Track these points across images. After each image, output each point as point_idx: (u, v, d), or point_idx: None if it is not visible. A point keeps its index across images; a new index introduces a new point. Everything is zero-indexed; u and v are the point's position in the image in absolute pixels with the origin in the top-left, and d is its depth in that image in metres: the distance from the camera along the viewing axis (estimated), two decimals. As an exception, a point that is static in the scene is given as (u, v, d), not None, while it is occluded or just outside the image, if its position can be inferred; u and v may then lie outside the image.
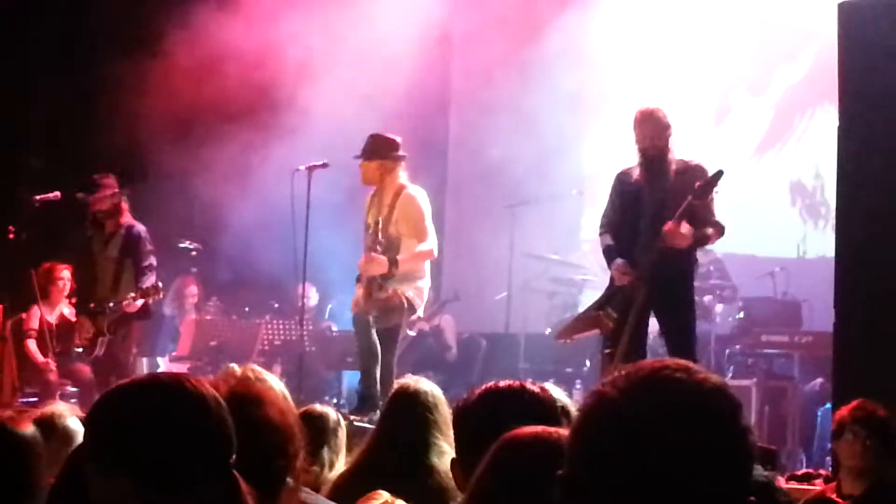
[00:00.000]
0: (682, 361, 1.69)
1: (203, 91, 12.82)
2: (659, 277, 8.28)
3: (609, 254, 8.65)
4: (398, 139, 9.34)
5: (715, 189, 8.21)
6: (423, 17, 12.91)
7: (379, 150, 9.21)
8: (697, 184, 8.10)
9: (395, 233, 9.11)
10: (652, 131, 8.43)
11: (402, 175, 9.26)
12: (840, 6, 7.97)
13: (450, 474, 3.29)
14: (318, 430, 5.05)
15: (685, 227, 8.18)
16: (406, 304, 9.12)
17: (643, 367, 1.68)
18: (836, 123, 7.65)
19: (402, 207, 9.11)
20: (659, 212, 8.29)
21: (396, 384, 5.13)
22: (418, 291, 9.23)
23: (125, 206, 10.53)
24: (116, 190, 10.53)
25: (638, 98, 13.30)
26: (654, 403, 1.64)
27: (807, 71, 12.75)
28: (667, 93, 12.87)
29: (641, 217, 8.44)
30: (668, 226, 8.13)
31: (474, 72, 14.30)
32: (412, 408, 4.77)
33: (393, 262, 8.99)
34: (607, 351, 8.56)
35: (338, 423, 5.32)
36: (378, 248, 9.08)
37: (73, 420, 4.05)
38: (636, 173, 8.57)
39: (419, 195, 9.22)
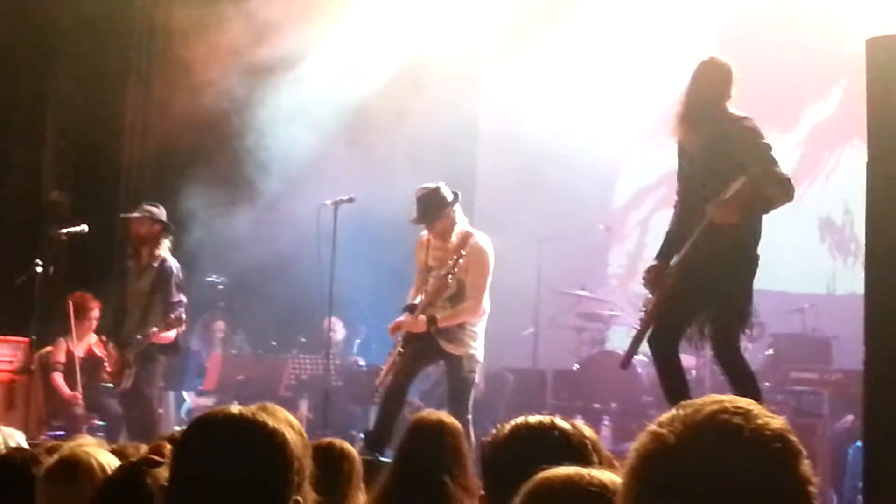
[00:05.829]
0: (743, 402, 1.66)
1: (232, 122, 12.86)
2: (698, 257, 7.20)
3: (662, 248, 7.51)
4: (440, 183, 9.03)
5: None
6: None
7: (446, 199, 8.91)
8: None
9: (463, 279, 8.86)
10: (709, 81, 7.39)
11: (462, 216, 9.05)
12: (868, 42, 7.92)
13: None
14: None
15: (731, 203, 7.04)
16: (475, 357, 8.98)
17: (701, 409, 1.65)
18: (865, 159, 7.60)
19: (471, 257, 8.81)
20: (706, 180, 7.16)
21: (412, 417, 5.09)
22: (479, 340, 9.04)
23: (164, 240, 10.51)
24: (159, 218, 10.53)
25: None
26: (712, 450, 1.62)
27: (836, 107, 12.71)
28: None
29: (693, 185, 7.25)
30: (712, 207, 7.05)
31: (500, 106, 14.30)
32: (429, 440, 4.73)
33: (432, 321, 8.77)
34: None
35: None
36: (445, 292, 8.82)
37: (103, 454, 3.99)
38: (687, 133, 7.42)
39: (488, 248, 8.95)
